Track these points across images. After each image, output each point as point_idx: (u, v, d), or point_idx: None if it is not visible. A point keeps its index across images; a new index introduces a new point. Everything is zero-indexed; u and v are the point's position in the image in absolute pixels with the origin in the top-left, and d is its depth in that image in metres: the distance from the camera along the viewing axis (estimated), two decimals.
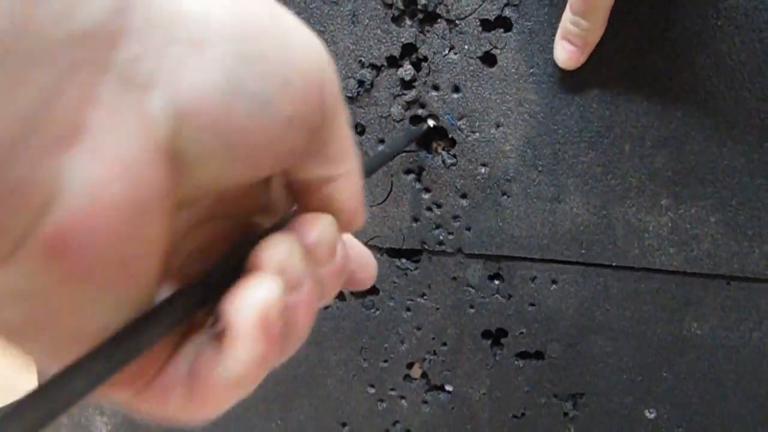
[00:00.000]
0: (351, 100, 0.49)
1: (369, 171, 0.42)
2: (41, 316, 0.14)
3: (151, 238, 0.14)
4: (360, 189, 0.20)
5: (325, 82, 0.17)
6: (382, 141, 0.50)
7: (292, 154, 0.17)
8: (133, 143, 0.13)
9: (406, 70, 0.48)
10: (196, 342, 0.17)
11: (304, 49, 0.16)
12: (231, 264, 0.17)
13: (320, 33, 0.48)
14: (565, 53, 0.43)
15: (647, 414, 0.52)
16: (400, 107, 0.49)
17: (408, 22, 0.47)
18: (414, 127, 0.48)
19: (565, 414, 0.54)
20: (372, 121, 0.50)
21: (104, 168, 0.13)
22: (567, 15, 0.42)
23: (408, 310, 0.55)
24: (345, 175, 0.19)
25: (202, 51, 0.14)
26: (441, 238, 0.51)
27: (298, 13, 0.48)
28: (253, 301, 0.15)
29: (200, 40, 0.14)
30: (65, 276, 0.13)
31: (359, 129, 0.51)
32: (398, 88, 0.48)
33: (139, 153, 0.13)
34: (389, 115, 0.49)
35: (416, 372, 0.56)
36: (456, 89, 0.47)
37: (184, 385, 0.16)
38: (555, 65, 0.45)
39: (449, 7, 0.46)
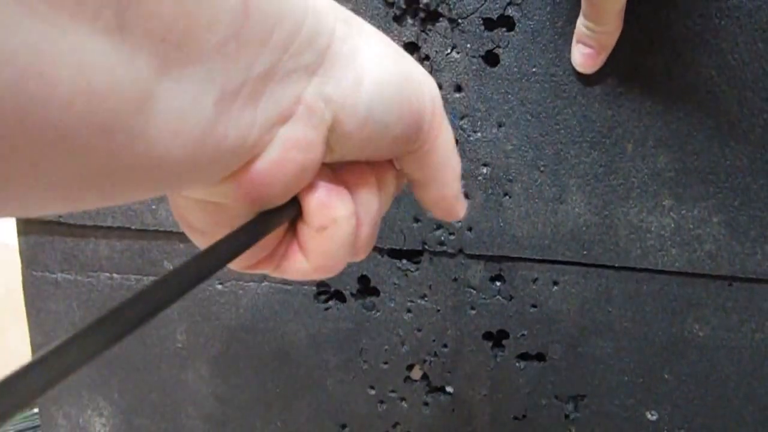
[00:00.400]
0: None
1: None
2: (217, 218, 0.22)
3: (300, 186, 0.22)
4: (448, 199, 0.28)
5: (424, 116, 0.24)
6: None
7: (393, 154, 0.25)
8: (311, 130, 0.21)
9: None
10: (303, 229, 0.24)
11: (415, 95, 0.24)
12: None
13: None
14: (581, 57, 0.43)
15: (648, 416, 0.52)
16: None
17: (410, 21, 0.47)
18: None
19: (566, 416, 0.53)
20: None
21: (296, 140, 0.20)
22: (581, 19, 0.42)
23: (408, 311, 0.54)
24: (433, 183, 0.27)
25: (359, 89, 0.22)
26: (442, 238, 0.51)
27: None
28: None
29: (360, 83, 0.22)
30: (244, 199, 0.21)
31: None
32: None
33: (313, 136, 0.21)
34: None
35: (417, 373, 0.56)
36: (458, 88, 0.47)
37: (304, 256, 0.24)
38: (557, 65, 0.45)
39: (451, 6, 0.46)
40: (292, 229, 0.25)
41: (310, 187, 0.23)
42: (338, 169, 0.24)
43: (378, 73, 0.22)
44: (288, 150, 0.20)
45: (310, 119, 0.21)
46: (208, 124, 0.18)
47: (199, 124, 0.18)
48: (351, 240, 0.24)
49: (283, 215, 0.23)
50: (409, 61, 0.24)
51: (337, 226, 0.23)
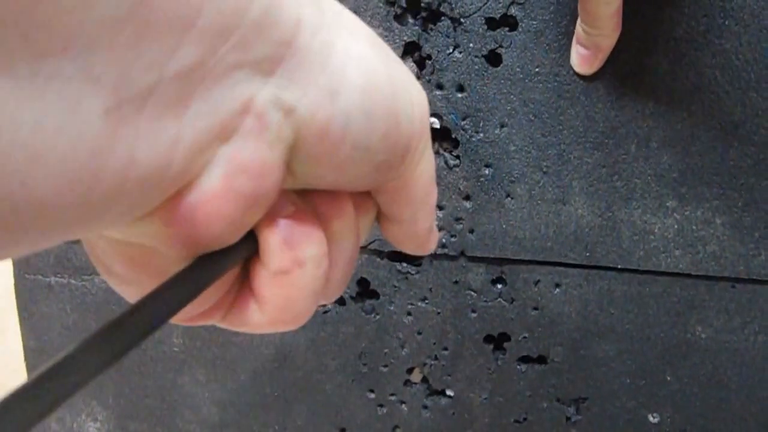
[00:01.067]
0: None
1: None
2: (142, 265, 0.17)
3: (251, 222, 0.17)
4: (421, 235, 0.23)
5: (412, 140, 0.19)
6: None
7: (372, 185, 0.20)
8: (264, 149, 0.16)
9: (409, 67, 0.47)
10: (258, 272, 0.19)
11: (405, 112, 0.19)
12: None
13: None
14: (579, 58, 0.43)
15: (650, 418, 0.51)
16: None
17: (411, 20, 0.46)
18: None
19: (568, 419, 0.53)
20: None
21: (243, 162, 0.15)
22: (579, 20, 0.42)
23: (409, 314, 0.54)
24: (407, 219, 0.22)
25: (334, 100, 0.16)
26: (444, 240, 0.50)
27: None
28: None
29: (336, 91, 0.16)
30: (175, 241, 0.16)
31: None
32: None
33: (267, 157, 0.16)
34: None
35: (416, 377, 0.56)
36: (460, 88, 0.47)
37: (257, 306, 0.19)
38: (560, 65, 0.44)
39: (453, 5, 0.45)
40: (245, 270, 0.19)
41: (269, 219, 0.18)
42: (307, 195, 0.19)
43: (361, 79, 0.17)
44: (232, 176, 0.15)
45: (262, 135, 0.16)
46: (96, 145, 0.12)
47: (79, 145, 0.12)
48: (320, 285, 0.19)
49: (233, 257, 0.17)
50: (400, 66, 0.19)
51: (303, 271, 0.18)
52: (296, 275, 0.18)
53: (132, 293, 0.18)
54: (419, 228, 0.23)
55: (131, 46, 0.12)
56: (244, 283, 0.19)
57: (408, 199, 0.21)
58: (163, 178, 0.14)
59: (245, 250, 0.18)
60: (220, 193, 0.15)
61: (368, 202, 0.22)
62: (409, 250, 0.24)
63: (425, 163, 0.21)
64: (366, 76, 0.17)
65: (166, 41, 0.13)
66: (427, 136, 0.21)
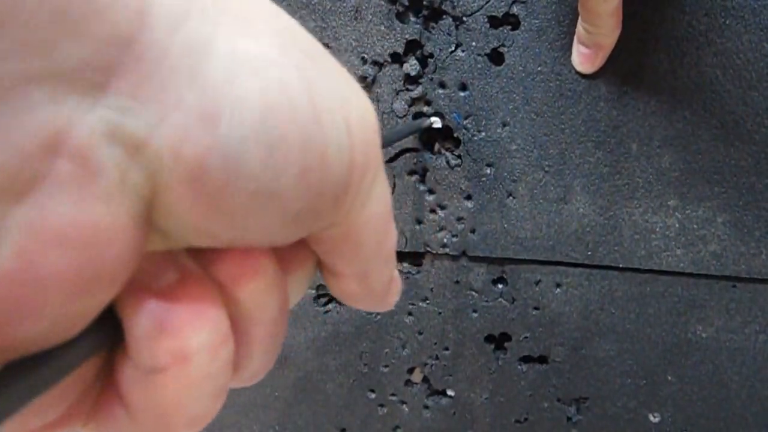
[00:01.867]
0: None
1: None
2: None
3: (92, 310, 0.12)
4: (376, 292, 0.17)
5: (353, 175, 0.13)
6: None
7: (292, 237, 0.14)
8: (96, 207, 0.10)
9: (412, 65, 0.47)
10: (124, 368, 0.13)
11: (336, 139, 0.13)
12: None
13: (322, 29, 0.47)
14: (579, 56, 0.43)
15: (651, 418, 0.51)
16: (403, 103, 0.48)
17: (413, 18, 0.46)
18: (414, 121, 0.47)
19: (569, 418, 0.53)
20: None
21: (49, 232, 0.10)
22: (579, 19, 0.42)
23: (409, 314, 0.54)
24: (356, 274, 0.16)
25: (212, 127, 0.11)
26: (445, 240, 0.50)
27: (300, 9, 0.47)
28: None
29: (215, 114, 0.11)
30: None
31: None
32: (401, 84, 0.48)
33: (101, 219, 0.10)
34: (392, 111, 0.48)
35: (417, 377, 0.55)
36: (463, 87, 0.47)
37: (126, 412, 0.13)
38: (562, 64, 0.44)
39: (455, 3, 0.45)
40: (109, 363, 0.14)
41: (135, 295, 0.12)
42: (203, 252, 0.14)
43: (258, 94, 0.12)
44: (35, 250, 0.10)
45: (91, 184, 0.10)
46: None
47: None
48: (222, 379, 0.13)
49: (74, 358, 0.12)
50: (330, 72, 0.14)
51: (189, 367, 0.12)
52: (178, 373, 0.12)
53: None
54: (373, 283, 0.17)
55: None
56: (108, 383, 0.14)
57: (354, 251, 0.16)
58: None
59: (97, 343, 0.12)
60: (13, 278, 0.10)
61: (302, 251, 0.16)
62: (364, 307, 0.18)
63: (375, 202, 0.15)
64: (267, 90, 0.12)
65: None
66: (377, 166, 0.15)
